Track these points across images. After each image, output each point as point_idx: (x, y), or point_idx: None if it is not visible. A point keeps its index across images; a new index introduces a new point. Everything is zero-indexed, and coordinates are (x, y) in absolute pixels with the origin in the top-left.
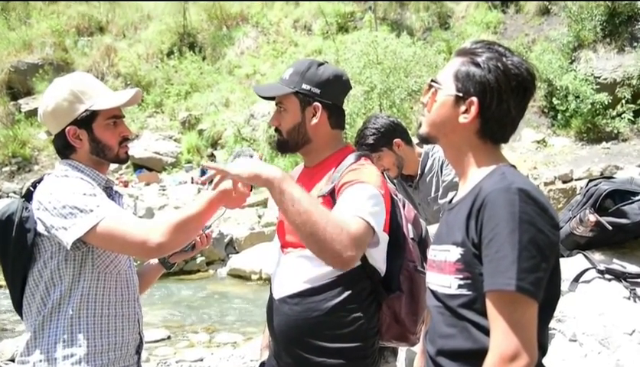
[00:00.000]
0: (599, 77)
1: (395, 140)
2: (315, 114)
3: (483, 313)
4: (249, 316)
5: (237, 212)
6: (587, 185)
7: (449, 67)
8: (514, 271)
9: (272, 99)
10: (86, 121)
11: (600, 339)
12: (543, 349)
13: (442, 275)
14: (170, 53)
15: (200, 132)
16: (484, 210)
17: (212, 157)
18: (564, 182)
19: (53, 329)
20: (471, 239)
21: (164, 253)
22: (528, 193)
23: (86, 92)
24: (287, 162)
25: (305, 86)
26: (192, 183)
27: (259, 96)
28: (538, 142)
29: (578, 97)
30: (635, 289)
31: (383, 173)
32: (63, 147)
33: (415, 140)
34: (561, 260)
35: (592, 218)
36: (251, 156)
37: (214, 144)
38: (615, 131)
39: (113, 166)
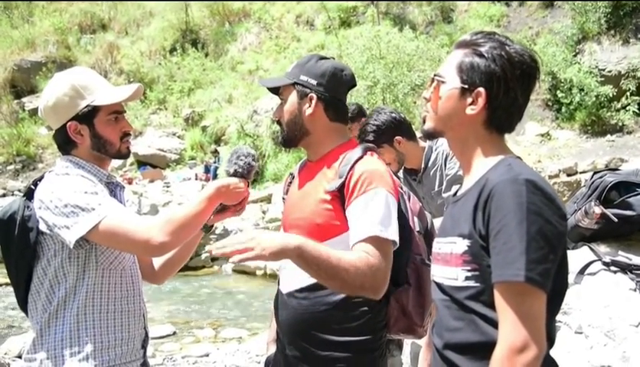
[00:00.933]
0: (603, 69)
1: (396, 137)
2: (309, 104)
3: (490, 305)
4: (254, 312)
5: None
6: (592, 177)
7: (451, 60)
8: (522, 262)
9: (277, 93)
10: (88, 116)
11: (606, 331)
12: (550, 341)
13: (447, 268)
14: (172, 50)
15: (204, 129)
16: (492, 201)
17: (216, 153)
18: (569, 175)
19: (59, 326)
20: (479, 231)
21: (167, 252)
22: (535, 184)
23: (87, 87)
24: (291, 157)
25: (302, 77)
26: (196, 179)
27: (266, 88)
28: (542, 135)
29: (582, 90)
30: None
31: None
32: (64, 143)
33: (418, 134)
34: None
35: (598, 210)
36: (252, 155)
37: (218, 141)
38: (620, 124)
39: (117, 163)
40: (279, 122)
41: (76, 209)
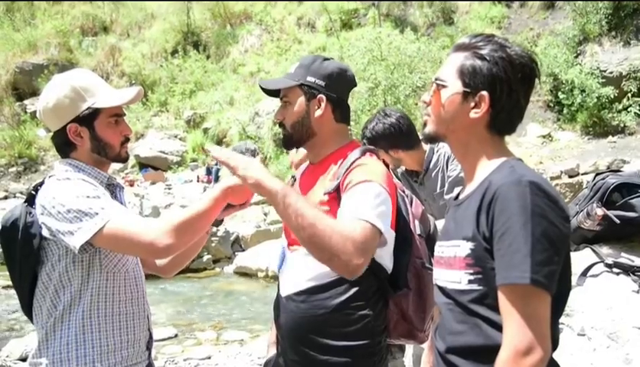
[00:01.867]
0: (604, 71)
1: (390, 150)
2: (319, 106)
3: (494, 309)
4: (256, 314)
5: (243, 210)
6: (594, 179)
7: (451, 64)
8: (527, 264)
9: (276, 95)
10: (88, 118)
11: (609, 333)
12: (554, 343)
13: (451, 271)
14: (174, 52)
15: (205, 131)
16: (495, 204)
17: None
18: (570, 176)
19: (64, 330)
20: (482, 233)
21: (172, 254)
22: (539, 186)
23: (88, 89)
24: None
25: (309, 79)
26: (198, 181)
27: (265, 93)
28: (544, 137)
29: (584, 91)
30: None
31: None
32: (63, 145)
33: (421, 135)
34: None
35: (600, 211)
36: (250, 150)
37: (219, 143)
38: (622, 125)
39: (119, 165)
40: (281, 124)
41: (79, 214)
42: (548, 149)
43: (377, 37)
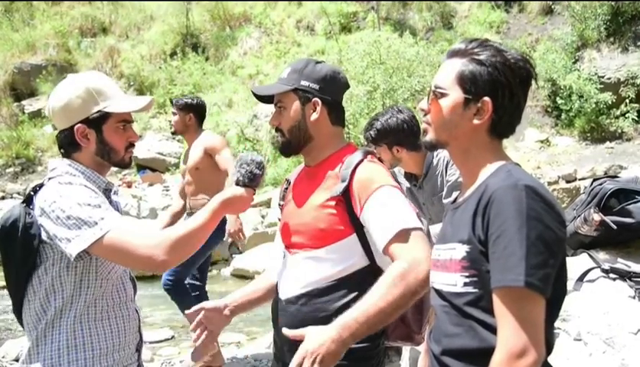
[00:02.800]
0: (602, 77)
1: (395, 146)
2: (314, 109)
3: (489, 311)
4: (252, 316)
5: (241, 213)
6: (592, 184)
7: (449, 70)
8: (522, 267)
9: (270, 101)
10: (97, 121)
11: (605, 338)
12: (549, 347)
13: (447, 274)
14: (173, 54)
15: None
16: (491, 207)
17: None
18: (568, 181)
19: (55, 335)
20: (478, 236)
21: (169, 268)
22: (535, 190)
23: (102, 93)
24: (290, 162)
25: (303, 83)
26: None
27: (258, 99)
28: (542, 142)
29: (582, 97)
30: (639, 288)
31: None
32: (68, 145)
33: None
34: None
35: (597, 217)
36: (256, 162)
37: None
38: (619, 131)
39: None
40: (277, 129)
41: (78, 222)
42: (546, 154)
43: (376, 41)
